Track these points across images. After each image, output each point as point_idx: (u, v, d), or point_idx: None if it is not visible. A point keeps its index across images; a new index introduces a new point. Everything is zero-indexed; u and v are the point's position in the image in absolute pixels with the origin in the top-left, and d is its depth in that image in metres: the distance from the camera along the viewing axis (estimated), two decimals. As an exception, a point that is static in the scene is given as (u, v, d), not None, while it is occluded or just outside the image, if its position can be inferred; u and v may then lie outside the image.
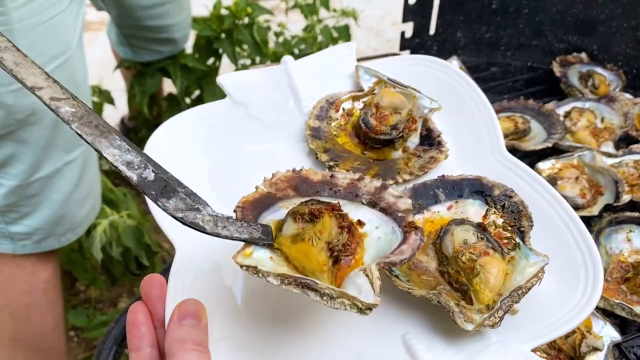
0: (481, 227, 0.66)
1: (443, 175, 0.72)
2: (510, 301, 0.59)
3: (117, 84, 2.49)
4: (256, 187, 0.63)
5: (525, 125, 1.29)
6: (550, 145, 1.22)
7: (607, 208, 1.10)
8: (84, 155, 1.39)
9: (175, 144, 0.76)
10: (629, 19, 1.40)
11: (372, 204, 0.62)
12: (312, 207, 0.59)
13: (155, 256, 1.75)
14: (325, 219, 0.58)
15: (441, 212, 0.70)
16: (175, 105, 2.14)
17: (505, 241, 0.65)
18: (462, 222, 0.67)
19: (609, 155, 1.19)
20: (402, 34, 1.45)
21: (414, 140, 0.77)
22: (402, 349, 0.60)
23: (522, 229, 0.66)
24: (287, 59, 0.83)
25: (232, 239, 0.55)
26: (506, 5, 1.50)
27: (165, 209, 0.54)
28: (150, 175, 0.55)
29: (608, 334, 0.94)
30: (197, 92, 2.16)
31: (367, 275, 0.53)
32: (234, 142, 0.78)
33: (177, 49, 2.02)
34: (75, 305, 2.00)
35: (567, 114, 1.31)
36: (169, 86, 2.37)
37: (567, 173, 1.16)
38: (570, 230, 0.65)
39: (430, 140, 0.76)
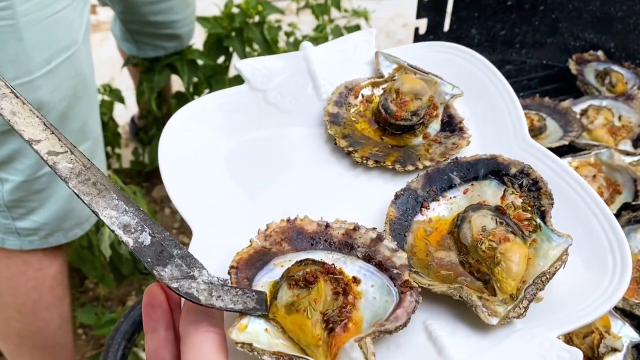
0: (499, 211, 0.64)
1: (456, 158, 0.70)
2: (534, 289, 0.57)
3: (127, 84, 2.50)
4: (250, 241, 0.62)
5: (541, 122, 1.28)
6: (566, 143, 1.20)
7: (625, 207, 1.09)
8: (90, 149, 1.39)
9: (194, 127, 0.75)
10: (647, 16, 1.38)
11: (368, 258, 0.61)
12: (307, 270, 0.58)
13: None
14: (320, 285, 0.58)
15: (457, 196, 0.68)
16: (184, 102, 2.13)
17: (526, 223, 0.63)
18: (479, 207, 0.65)
19: (627, 153, 1.17)
20: (416, 30, 1.43)
21: (434, 127, 0.76)
22: (423, 335, 0.58)
23: (543, 208, 0.63)
24: (306, 44, 0.82)
25: (227, 310, 0.55)
26: (521, 2, 1.48)
27: (160, 278, 0.54)
28: (146, 239, 0.55)
29: (627, 334, 0.92)
30: (206, 91, 2.16)
31: (361, 348, 0.53)
32: (252, 127, 0.77)
33: (181, 45, 2.02)
34: (84, 303, 2.00)
35: (584, 112, 1.30)
36: (179, 86, 2.37)
37: (584, 171, 1.15)
38: (597, 216, 0.63)
39: (451, 126, 0.75)
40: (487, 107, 0.76)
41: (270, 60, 0.82)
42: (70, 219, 1.41)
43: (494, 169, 0.68)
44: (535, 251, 0.61)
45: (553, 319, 0.57)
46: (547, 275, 0.58)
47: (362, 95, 0.79)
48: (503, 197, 0.66)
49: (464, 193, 0.68)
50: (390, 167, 0.71)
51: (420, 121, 0.75)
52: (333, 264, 0.61)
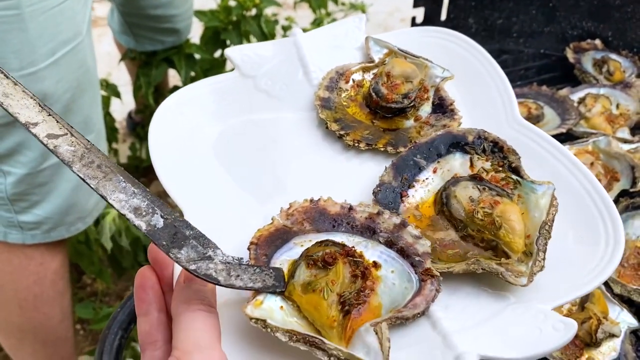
0: (477, 178, 0.64)
1: (415, 142, 0.70)
2: (543, 240, 0.58)
3: (125, 79, 2.50)
4: (272, 219, 0.62)
5: (538, 111, 1.27)
6: (564, 131, 1.20)
7: (623, 194, 1.08)
8: (93, 142, 1.38)
9: (185, 112, 0.75)
10: (645, 4, 1.37)
11: (390, 244, 0.60)
12: (326, 252, 0.58)
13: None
14: (339, 267, 0.57)
15: (429, 177, 0.68)
16: None
17: (503, 182, 0.64)
18: (456, 180, 0.65)
19: (625, 141, 1.17)
20: (413, 19, 1.43)
21: (426, 109, 0.75)
22: None
23: (513, 164, 0.64)
24: (296, 30, 0.82)
25: (246, 289, 0.54)
26: (519, -10, 1.48)
27: (178, 261, 0.52)
28: (159, 222, 0.53)
29: (625, 320, 0.92)
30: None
31: (377, 333, 0.52)
32: (243, 113, 0.76)
33: (179, 39, 2.02)
34: (82, 299, 2.00)
35: (581, 100, 1.29)
36: (176, 81, 2.37)
37: (582, 159, 1.14)
38: (588, 191, 0.63)
39: (442, 108, 0.74)
40: (477, 89, 0.76)
41: (260, 47, 0.81)
42: (73, 213, 1.41)
43: (452, 142, 0.68)
44: (525, 205, 0.62)
45: (547, 292, 0.57)
46: (549, 223, 0.59)
47: (353, 80, 0.79)
48: (472, 166, 0.67)
49: (434, 172, 0.68)
50: (382, 149, 0.71)
51: (412, 104, 0.74)
52: (353, 247, 0.60)
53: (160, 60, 2.01)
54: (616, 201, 1.07)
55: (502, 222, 0.59)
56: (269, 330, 0.53)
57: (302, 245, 0.60)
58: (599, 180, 1.09)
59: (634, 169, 1.08)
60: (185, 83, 2.04)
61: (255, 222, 0.64)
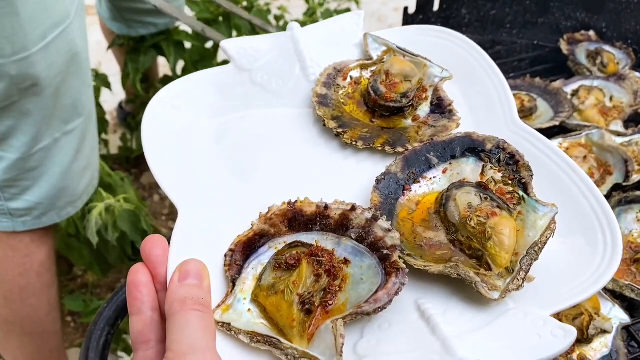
0: (482, 187, 0.64)
1: (432, 138, 0.70)
2: (529, 260, 0.57)
3: (115, 69, 2.48)
4: (252, 224, 0.63)
5: (531, 103, 1.27)
6: (557, 123, 1.20)
7: (616, 188, 1.08)
8: (82, 126, 1.37)
9: (178, 104, 0.74)
10: (639, -6, 1.37)
11: (361, 239, 0.61)
12: (291, 254, 0.60)
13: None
14: (302, 268, 0.59)
15: (437, 176, 0.68)
16: None
17: (509, 196, 0.63)
18: (461, 184, 0.65)
19: (618, 134, 1.17)
20: (405, 9, 1.41)
21: (424, 109, 0.75)
22: (416, 313, 0.58)
23: (523, 180, 0.64)
24: (294, 25, 0.81)
25: None
26: (513, -19, 1.47)
27: None
28: None
29: (617, 316, 0.92)
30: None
31: (333, 330, 0.53)
32: (239, 107, 0.76)
33: (171, 21, 2.00)
34: (73, 291, 1.99)
35: (575, 93, 1.29)
36: (167, 70, 2.34)
37: (575, 152, 1.14)
38: (587, 197, 0.63)
39: (441, 109, 0.74)
40: (476, 90, 0.75)
41: (256, 40, 0.80)
42: (63, 197, 1.40)
43: (469, 147, 0.68)
44: (522, 223, 0.61)
45: (546, 298, 0.57)
46: (539, 245, 0.58)
47: (351, 77, 0.78)
48: (482, 173, 0.66)
49: (443, 172, 0.68)
50: (379, 148, 0.70)
51: (410, 103, 0.74)
52: (319, 246, 0.61)
53: (148, 46, 1.99)
54: (609, 195, 1.07)
55: (493, 234, 0.59)
56: (232, 332, 0.55)
57: (276, 249, 0.62)
58: (592, 174, 1.11)
59: (627, 162, 1.08)
60: (174, 70, 2.02)
61: (247, 217, 0.64)
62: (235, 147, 0.73)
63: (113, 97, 2.49)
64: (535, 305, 0.56)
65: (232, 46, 0.79)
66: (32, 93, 1.20)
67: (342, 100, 0.76)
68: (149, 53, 2.01)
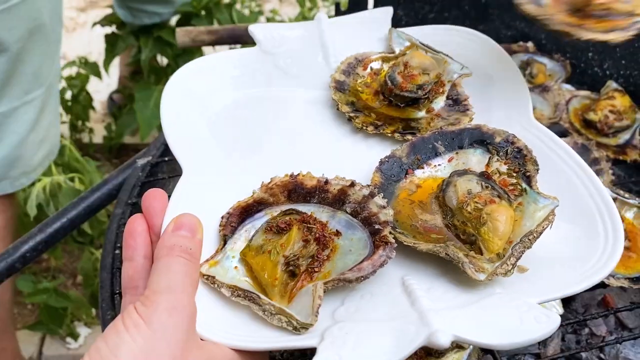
0: (485, 176, 0.63)
1: (441, 127, 0.69)
2: (521, 247, 0.56)
3: (114, 61, 2.48)
4: (252, 192, 0.64)
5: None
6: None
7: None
8: (43, 98, 1.37)
9: (203, 77, 0.75)
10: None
11: (355, 214, 0.62)
12: (284, 218, 0.61)
13: (102, 225, 1.67)
14: (292, 232, 0.59)
15: (442, 164, 0.67)
16: (161, 76, 2.17)
17: (511, 187, 0.62)
18: (464, 172, 0.64)
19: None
20: (337, 5, 1.34)
21: (439, 103, 0.75)
22: (399, 288, 0.57)
23: (528, 173, 0.63)
24: (322, 16, 0.82)
25: None
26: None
27: None
28: None
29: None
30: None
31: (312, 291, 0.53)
32: (259, 86, 0.77)
33: (174, 9, 2.05)
34: (36, 273, 1.97)
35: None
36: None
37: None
38: (594, 200, 0.61)
39: (457, 104, 0.74)
40: (494, 89, 0.75)
41: (283, 28, 0.82)
42: (17, 167, 1.38)
43: (478, 138, 0.67)
44: (521, 213, 0.60)
45: (536, 287, 0.55)
46: (534, 234, 0.57)
47: (371, 68, 0.79)
48: (488, 165, 0.65)
49: (449, 161, 0.68)
50: (389, 135, 0.71)
51: (426, 95, 0.74)
52: (311, 214, 0.61)
53: (128, 32, 2.08)
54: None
55: (488, 220, 0.58)
56: (216, 285, 0.56)
57: (271, 215, 0.63)
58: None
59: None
60: (144, 63, 2.06)
61: (250, 187, 0.65)
62: (248, 121, 0.74)
63: (107, 89, 2.56)
64: (524, 292, 0.54)
65: (259, 30, 0.81)
66: None
67: (359, 88, 0.77)
68: (128, 39, 2.09)
